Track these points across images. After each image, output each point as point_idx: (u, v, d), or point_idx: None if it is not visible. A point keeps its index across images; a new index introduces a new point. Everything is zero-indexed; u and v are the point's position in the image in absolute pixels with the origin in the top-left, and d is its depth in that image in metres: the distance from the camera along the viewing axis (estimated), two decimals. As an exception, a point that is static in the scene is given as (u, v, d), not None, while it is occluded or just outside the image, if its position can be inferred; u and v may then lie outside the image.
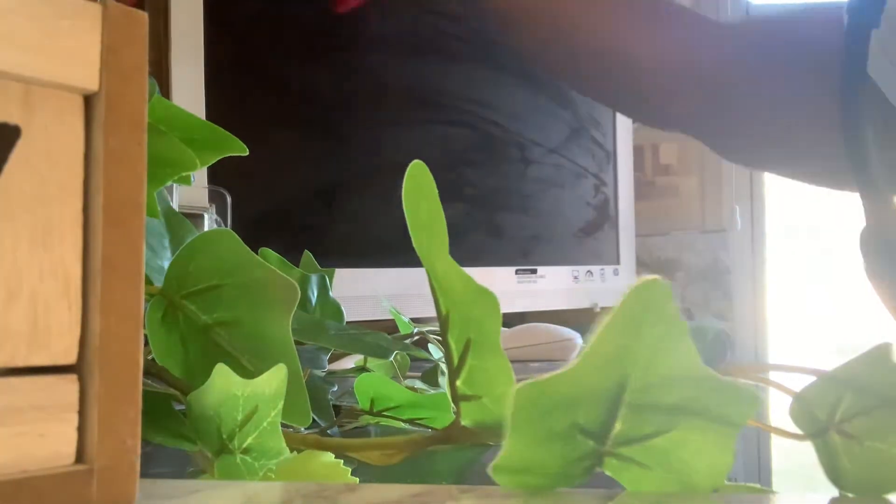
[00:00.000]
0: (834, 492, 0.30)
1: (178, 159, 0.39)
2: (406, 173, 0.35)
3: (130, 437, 0.20)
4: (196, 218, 0.94)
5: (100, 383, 0.20)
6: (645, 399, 0.28)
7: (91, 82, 0.20)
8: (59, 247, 0.20)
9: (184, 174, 0.40)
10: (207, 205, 0.97)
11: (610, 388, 0.27)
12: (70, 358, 0.20)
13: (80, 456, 0.20)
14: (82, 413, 0.20)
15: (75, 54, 0.20)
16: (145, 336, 0.42)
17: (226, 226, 1.00)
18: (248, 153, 0.48)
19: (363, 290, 1.14)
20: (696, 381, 0.28)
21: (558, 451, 0.28)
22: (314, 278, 0.60)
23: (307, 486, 0.27)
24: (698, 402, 0.28)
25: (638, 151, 1.71)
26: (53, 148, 0.20)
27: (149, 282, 0.44)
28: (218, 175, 1.02)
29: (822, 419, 0.30)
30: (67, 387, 0.20)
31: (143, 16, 0.20)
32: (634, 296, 0.26)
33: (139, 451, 0.21)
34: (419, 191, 0.35)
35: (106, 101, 0.20)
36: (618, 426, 0.28)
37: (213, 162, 0.47)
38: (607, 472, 0.30)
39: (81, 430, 0.20)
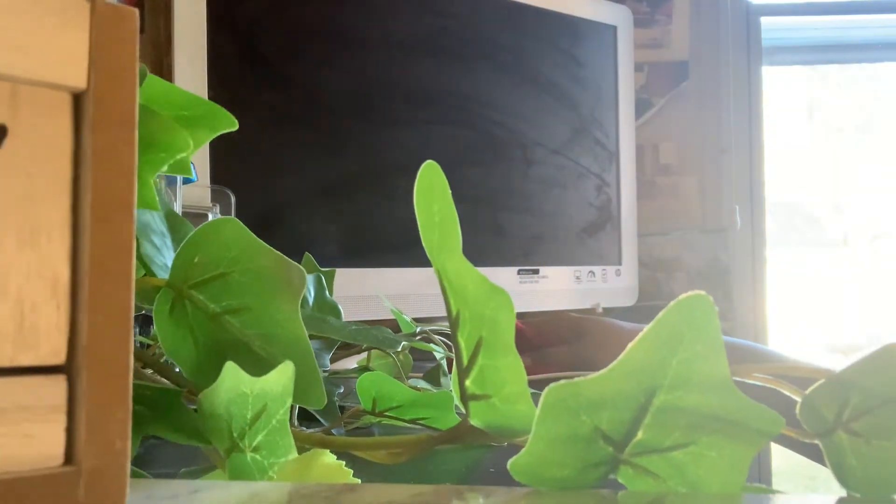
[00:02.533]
0: (834, 492, 0.30)
1: (171, 141, 0.38)
2: (419, 173, 0.35)
3: (120, 439, 0.20)
4: (200, 217, 0.94)
5: (88, 384, 0.20)
6: (670, 412, 0.28)
7: (79, 80, 0.20)
8: (47, 246, 0.19)
9: (179, 158, 0.40)
10: (211, 204, 0.97)
11: (638, 397, 0.27)
12: (58, 358, 0.20)
13: (68, 457, 0.20)
14: (71, 414, 0.20)
15: (63, 52, 0.19)
16: (153, 333, 0.42)
17: (227, 226, 1.00)
18: (237, 127, 0.47)
19: (363, 290, 1.14)
20: (723, 400, 0.27)
21: (578, 453, 0.28)
22: (310, 279, 0.60)
23: (307, 487, 0.27)
24: (722, 421, 0.28)
25: (638, 151, 1.70)
26: (41, 147, 0.19)
27: (153, 274, 0.44)
28: (221, 174, 1.02)
29: (829, 419, 0.29)
30: (55, 387, 0.20)
31: (133, 12, 0.20)
32: (677, 309, 0.26)
33: (129, 452, 0.20)
34: (431, 191, 0.35)
35: (94, 100, 0.20)
36: (639, 435, 0.28)
37: (209, 141, 0.46)
38: (620, 480, 0.30)
39: (70, 431, 0.20)
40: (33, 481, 0.19)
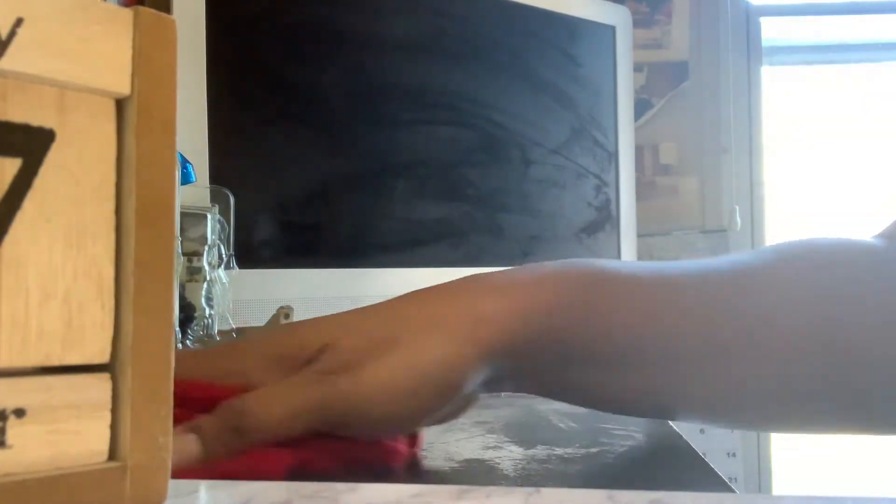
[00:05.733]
0: (834, 493, 0.31)
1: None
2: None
3: (162, 435, 0.21)
4: (199, 217, 0.94)
5: (132, 382, 0.20)
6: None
7: (123, 86, 0.20)
8: (93, 248, 0.20)
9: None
10: (210, 204, 0.98)
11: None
12: (103, 357, 0.21)
13: (112, 453, 0.21)
14: (115, 411, 0.21)
15: (108, 59, 0.20)
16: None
17: (228, 226, 1.00)
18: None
19: (362, 291, 1.14)
20: None
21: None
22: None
23: (307, 486, 0.28)
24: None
25: (638, 151, 1.71)
26: (87, 151, 0.20)
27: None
28: (221, 175, 1.02)
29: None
30: (101, 385, 0.21)
31: (173, 21, 0.21)
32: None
33: (171, 448, 0.21)
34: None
35: (137, 105, 0.20)
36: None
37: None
38: None
39: (114, 427, 0.21)
40: (82, 477, 0.20)
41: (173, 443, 0.30)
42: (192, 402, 0.40)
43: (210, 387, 0.41)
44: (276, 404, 0.39)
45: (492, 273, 0.47)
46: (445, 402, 0.43)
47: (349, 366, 0.41)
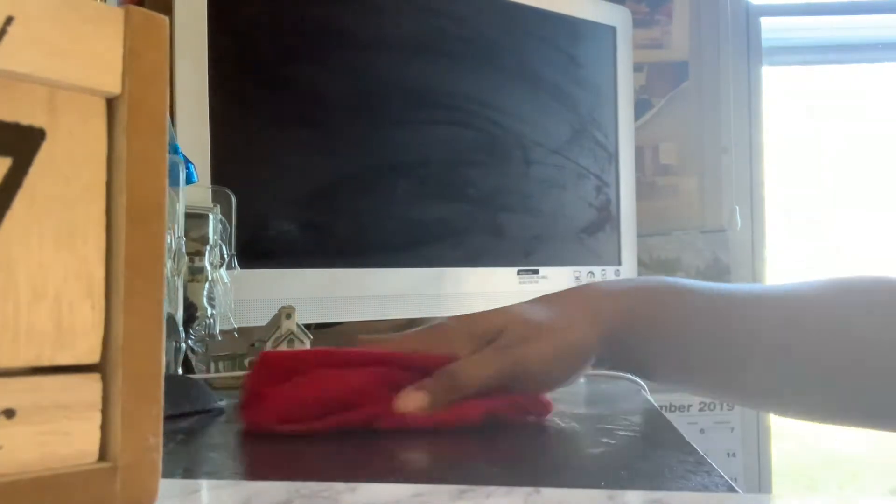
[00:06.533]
0: (834, 493, 0.31)
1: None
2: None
3: (153, 435, 0.21)
4: (201, 218, 0.94)
5: (123, 382, 0.20)
6: None
7: (114, 85, 0.20)
8: (83, 248, 0.20)
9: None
10: (212, 205, 0.98)
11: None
12: (93, 357, 0.20)
13: (103, 454, 0.20)
14: (105, 412, 0.20)
15: (98, 58, 0.20)
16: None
17: (230, 226, 1.00)
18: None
19: (363, 290, 1.14)
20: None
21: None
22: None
23: (307, 486, 0.27)
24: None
25: (638, 152, 1.71)
26: (77, 150, 0.20)
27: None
28: (222, 175, 1.02)
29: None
30: (91, 386, 0.20)
31: (164, 20, 0.21)
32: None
33: (161, 448, 0.21)
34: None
35: (128, 104, 0.20)
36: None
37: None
38: None
39: (104, 428, 0.20)
40: (72, 478, 0.19)
41: (407, 397, 0.57)
42: (416, 369, 0.60)
43: (428, 357, 0.61)
44: (476, 369, 0.60)
45: (606, 282, 0.69)
46: (579, 368, 0.64)
47: (520, 342, 0.61)
